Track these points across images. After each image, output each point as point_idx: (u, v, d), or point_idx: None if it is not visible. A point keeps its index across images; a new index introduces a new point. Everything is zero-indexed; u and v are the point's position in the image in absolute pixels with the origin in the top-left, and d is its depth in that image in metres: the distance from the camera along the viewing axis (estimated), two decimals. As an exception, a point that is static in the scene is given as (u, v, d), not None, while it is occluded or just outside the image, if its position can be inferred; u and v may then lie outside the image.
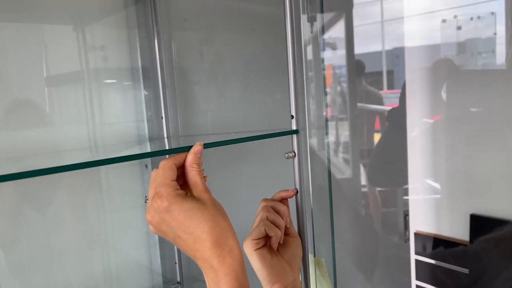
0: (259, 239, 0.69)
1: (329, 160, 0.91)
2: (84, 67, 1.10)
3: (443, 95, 0.73)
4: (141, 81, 1.20)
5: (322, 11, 0.90)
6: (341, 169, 0.93)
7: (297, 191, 0.77)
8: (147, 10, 1.13)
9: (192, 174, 0.59)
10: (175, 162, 0.58)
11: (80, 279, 1.13)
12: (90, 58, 1.11)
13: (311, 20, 0.91)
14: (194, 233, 0.54)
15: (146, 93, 1.21)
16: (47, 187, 1.05)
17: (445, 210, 0.75)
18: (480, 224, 0.70)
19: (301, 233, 0.80)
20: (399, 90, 0.80)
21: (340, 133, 0.93)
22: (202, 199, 0.57)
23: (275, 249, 0.71)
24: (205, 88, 1.21)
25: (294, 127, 0.79)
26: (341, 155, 0.94)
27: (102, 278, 1.17)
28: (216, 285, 0.54)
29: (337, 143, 0.94)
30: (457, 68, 0.73)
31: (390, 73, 0.84)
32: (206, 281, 0.56)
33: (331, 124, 0.93)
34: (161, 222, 0.56)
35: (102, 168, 1.14)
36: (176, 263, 1.24)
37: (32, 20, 1.01)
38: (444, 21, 0.72)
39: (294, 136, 0.79)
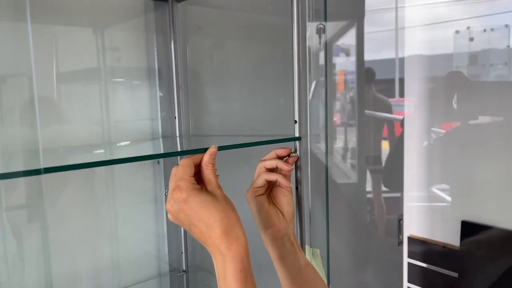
0: (259, 187, 0.79)
1: (327, 168, 0.95)
2: (102, 66, 1.17)
3: (454, 105, 0.75)
4: (157, 82, 1.27)
5: (325, 20, 0.93)
6: (348, 174, 0.98)
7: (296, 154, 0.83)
8: (165, 17, 1.21)
9: (207, 172, 0.68)
10: (193, 161, 0.68)
11: (92, 267, 1.20)
12: (108, 58, 1.18)
13: (319, 30, 0.95)
14: (207, 221, 0.63)
15: (161, 94, 1.27)
16: (59, 179, 1.10)
17: (438, 216, 0.80)
18: (470, 230, 0.73)
19: (301, 228, 0.88)
20: (411, 99, 0.81)
21: (348, 139, 0.97)
22: (215, 193, 0.66)
23: (288, 184, 0.80)
24: (215, 91, 1.28)
25: (297, 133, 0.86)
26: (349, 160, 0.98)
27: (113, 266, 1.25)
28: (223, 267, 0.62)
29: (345, 148, 0.98)
30: (467, 80, 0.74)
31: (400, 81, 0.84)
32: (214, 264, 0.64)
33: (340, 130, 0.97)
34: (179, 211, 0.65)
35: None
36: (182, 253, 1.32)
37: (57, 23, 1.08)
38: (457, 32, 0.73)
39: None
